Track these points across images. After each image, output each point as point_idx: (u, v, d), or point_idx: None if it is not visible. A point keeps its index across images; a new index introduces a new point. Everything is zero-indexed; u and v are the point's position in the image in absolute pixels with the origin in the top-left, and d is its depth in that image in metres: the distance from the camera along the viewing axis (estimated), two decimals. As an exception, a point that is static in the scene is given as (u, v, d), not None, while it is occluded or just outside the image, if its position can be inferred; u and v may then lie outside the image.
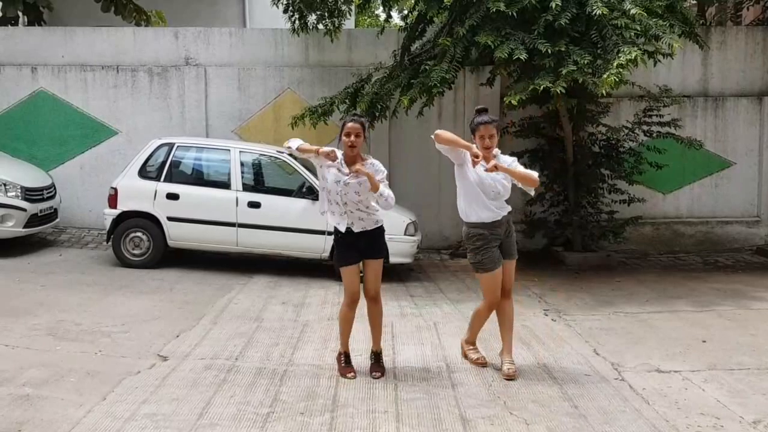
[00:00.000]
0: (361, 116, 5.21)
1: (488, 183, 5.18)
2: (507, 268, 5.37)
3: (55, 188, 10.15)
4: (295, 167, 8.79)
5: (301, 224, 8.49)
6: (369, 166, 5.05)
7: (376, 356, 5.35)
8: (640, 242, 11.01)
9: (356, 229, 5.09)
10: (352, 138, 4.99)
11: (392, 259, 8.55)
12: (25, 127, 10.99)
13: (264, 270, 8.88)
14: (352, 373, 5.16)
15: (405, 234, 8.63)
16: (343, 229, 5.10)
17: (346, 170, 5.02)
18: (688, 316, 7.12)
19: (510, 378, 5.17)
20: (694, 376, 5.31)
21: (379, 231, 5.20)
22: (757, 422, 4.46)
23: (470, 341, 5.65)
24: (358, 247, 5.12)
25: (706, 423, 4.44)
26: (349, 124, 5.01)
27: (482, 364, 5.47)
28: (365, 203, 5.09)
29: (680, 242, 11.20)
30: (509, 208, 5.34)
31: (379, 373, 5.21)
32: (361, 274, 5.19)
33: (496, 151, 5.24)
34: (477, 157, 4.99)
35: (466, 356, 5.63)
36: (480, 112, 5.31)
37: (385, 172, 5.18)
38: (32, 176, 9.89)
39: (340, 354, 5.32)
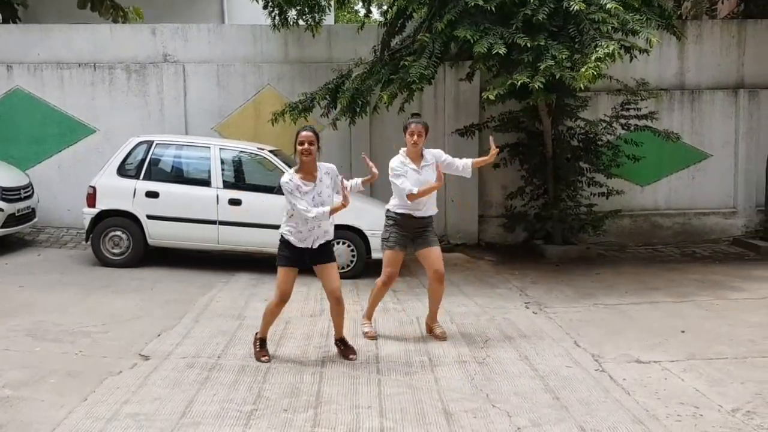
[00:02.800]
0: (313, 127, 5.43)
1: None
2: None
3: (32, 187, 10.04)
4: (276, 164, 8.76)
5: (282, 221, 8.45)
6: (325, 175, 5.32)
7: (343, 341, 5.60)
8: (618, 234, 11.12)
9: (315, 246, 5.34)
10: (306, 146, 5.19)
11: (374, 255, 8.58)
12: (1, 125, 10.86)
13: (245, 268, 8.85)
14: (267, 357, 5.43)
15: (386, 229, 8.63)
16: (302, 245, 5.29)
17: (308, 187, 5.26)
18: (666, 307, 7.20)
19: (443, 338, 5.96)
20: (673, 366, 5.38)
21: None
22: (735, 410, 4.53)
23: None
24: (309, 255, 5.34)
25: (686, 412, 4.50)
26: (303, 133, 5.23)
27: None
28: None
29: (658, 234, 11.32)
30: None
31: (354, 355, 5.48)
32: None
33: (435, 151, 6.06)
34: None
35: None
36: (414, 115, 6.15)
37: (336, 172, 5.43)
38: (9, 176, 9.78)
39: (256, 339, 5.56)
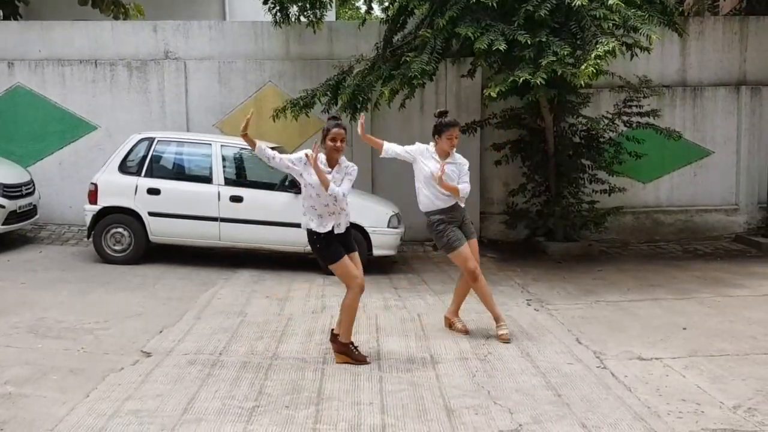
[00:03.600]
0: (342, 122, 5.36)
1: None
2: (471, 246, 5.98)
3: (34, 184, 10.04)
4: (277, 161, 8.74)
5: (283, 218, 8.46)
6: (344, 169, 5.28)
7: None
8: (620, 231, 11.11)
9: (339, 230, 5.28)
10: (338, 143, 5.17)
11: (376, 252, 8.59)
12: (3, 123, 10.85)
13: (247, 264, 8.85)
14: (368, 357, 5.35)
15: (388, 226, 8.64)
16: (326, 229, 5.21)
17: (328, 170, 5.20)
18: (668, 304, 7.20)
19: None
20: (675, 363, 5.38)
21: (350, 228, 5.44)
22: (737, 407, 4.53)
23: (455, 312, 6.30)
24: (342, 242, 5.29)
25: (687, 409, 4.50)
26: (334, 130, 5.18)
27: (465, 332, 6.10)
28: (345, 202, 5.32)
29: (660, 231, 11.31)
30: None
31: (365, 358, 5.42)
32: None
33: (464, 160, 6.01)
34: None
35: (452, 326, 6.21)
36: (443, 114, 6.01)
37: (353, 173, 5.36)
38: (10, 173, 9.78)
39: (350, 343, 5.38)
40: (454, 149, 5.89)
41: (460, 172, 5.91)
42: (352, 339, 5.40)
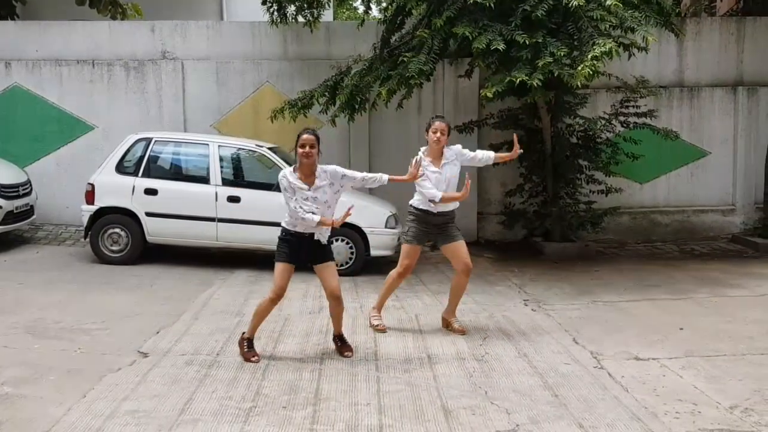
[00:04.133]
0: (314, 130, 5.43)
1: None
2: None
3: (31, 185, 10.03)
4: (275, 161, 8.75)
5: (281, 218, 8.43)
6: (323, 174, 5.30)
7: (341, 338, 5.63)
8: (617, 232, 11.13)
9: (315, 237, 5.37)
10: (307, 149, 5.21)
11: (373, 252, 8.59)
12: (0, 122, 10.83)
13: (244, 265, 8.85)
14: (256, 357, 5.38)
15: (386, 226, 8.65)
16: (299, 231, 5.31)
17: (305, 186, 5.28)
18: (665, 304, 7.21)
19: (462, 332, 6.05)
20: (671, 363, 5.38)
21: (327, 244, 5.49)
22: (733, 407, 4.54)
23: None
24: (307, 252, 5.37)
25: (684, 409, 4.51)
26: (304, 136, 5.24)
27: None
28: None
29: (657, 231, 11.33)
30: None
31: (351, 352, 5.51)
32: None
33: (455, 147, 6.09)
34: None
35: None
36: (437, 117, 6.20)
37: (341, 171, 5.39)
38: (7, 173, 9.77)
39: (249, 338, 5.47)
40: (442, 145, 5.95)
41: (462, 159, 6.04)
42: (345, 334, 5.53)
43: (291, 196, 5.25)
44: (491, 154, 6.19)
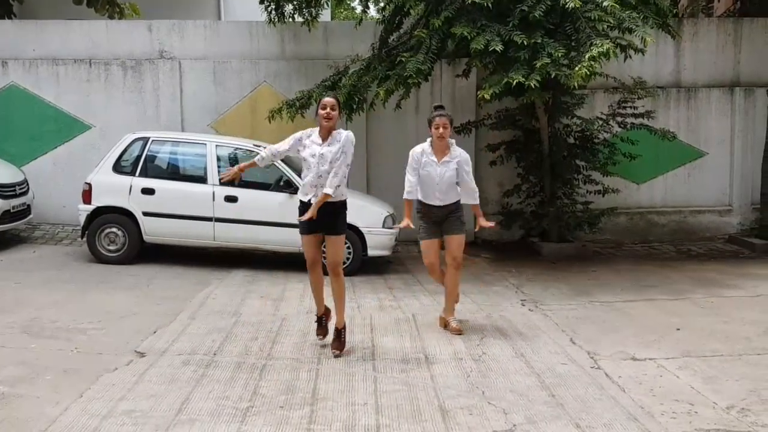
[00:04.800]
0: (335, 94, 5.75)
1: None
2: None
3: (27, 184, 10.01)
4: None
5: (278, 218, 8.45)
6: (337, 141, 5.43)
7: (338, 332, 5.61)
8: (614, 232, 11.14)
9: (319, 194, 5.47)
10: (328, 110, 5.39)
11: (371, 252, 8.59)
12: (-3, 122, 10.83)
13: (242, 265, 8.84)
14: (321, 336, 5.76)
15: (383, 226, 8.64)
16: (306, 199, 5.46)
17: (320, 141, 5.44)
18: (662, 305, 7.22)
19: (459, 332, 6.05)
20: (668, 363, 5.39)
21: (342, 206, 5.55)
22: (730, 408, 4.55)
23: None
24: (320, 220, 5.41)
25: (681, 409, 4.51)
26: (325, 100, 5.46)
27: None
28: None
29: (654, 232, 11.35)
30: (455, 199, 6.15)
31: (338, 351, 5.50)
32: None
33: (463, 152, 6.13)
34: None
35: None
36: (437, 107, 6.18)
37: (351, 145, 5.50)
38: (4, 172, 9.75)
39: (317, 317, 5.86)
40: (446, 140, 6.01)
41: (461, 168, 6.03)
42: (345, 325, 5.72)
43: (304, 149, 5.47)
44: (474, 201, 6.20)
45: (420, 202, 6.14)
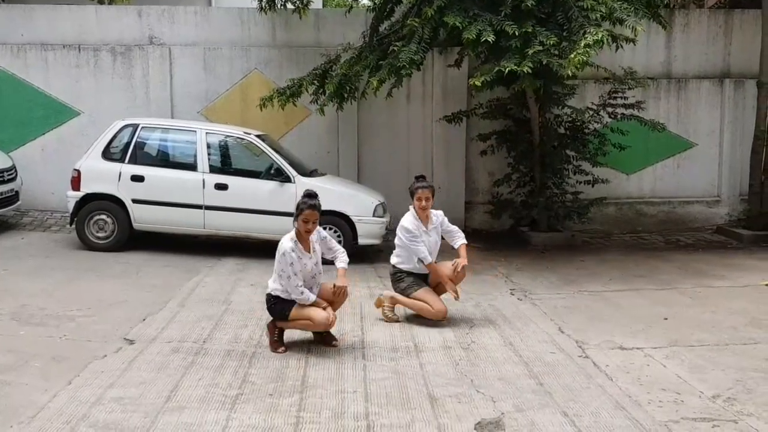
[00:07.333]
0: (317, 203, 5.30)
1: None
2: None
3: (16, 170, 9.93)
4: (263, 149, 8.71)
5: (269, 206, 8.44)
6: (318, 238, 5.44)
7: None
8: (604, 222, 11.19)
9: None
10: (310, 225, 5.26)
11: (361, 241, 8.60)
12: (-16, 107, 10.73)
13: (232, 253, 8.83)
14: (283, 348, 5.37)
15: (374, 215, 8.64)
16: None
17: (305, 251, 5.32)
18: (650, 295, 7.27)
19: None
20: (655, 352, 5.44)
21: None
22: (716, 397, 4.60)
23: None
24: None
25: (668, 398, 4.56)
26: (307, 211, 5.22)
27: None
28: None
29: (643, 222, 11.41)
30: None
31: (335, 340, 5.51)
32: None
33: (439, 213, 6.30)
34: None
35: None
36: (418, 179, 6.30)
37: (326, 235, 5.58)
38: (-8, 158, 9.68)
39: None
40: (428, 210, 6.14)
41: (442, 228, 6.24)
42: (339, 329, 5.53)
43: (294, 272, 5.25)
44: (459, 242, 6.24)
45: (402, 271, 6.20)
